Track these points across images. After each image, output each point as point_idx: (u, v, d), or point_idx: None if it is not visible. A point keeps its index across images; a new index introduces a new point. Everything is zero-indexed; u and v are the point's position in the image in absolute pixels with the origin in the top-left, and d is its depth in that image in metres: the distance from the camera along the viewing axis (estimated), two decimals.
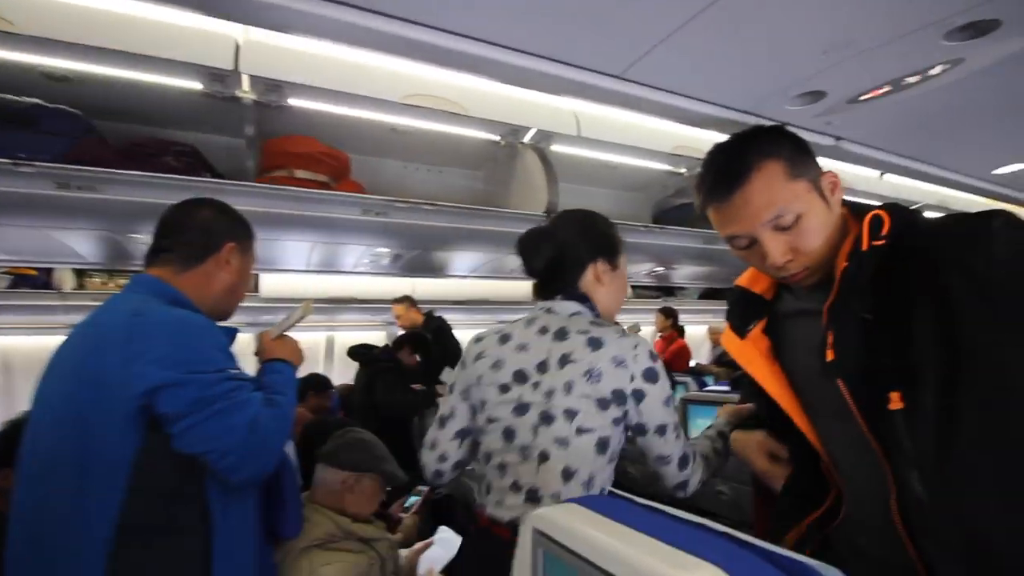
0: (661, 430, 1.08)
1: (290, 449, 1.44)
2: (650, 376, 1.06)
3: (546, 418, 1.04)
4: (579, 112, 2.04)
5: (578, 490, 1.04)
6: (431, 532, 1.96)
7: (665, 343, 4.92)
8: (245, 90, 1.70)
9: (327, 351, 5.04)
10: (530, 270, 1.19)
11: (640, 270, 3.45)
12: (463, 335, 5.42)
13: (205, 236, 1.09)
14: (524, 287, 4.51)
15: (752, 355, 0.94)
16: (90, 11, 1.37)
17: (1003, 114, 1.56)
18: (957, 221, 0.74)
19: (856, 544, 0.88)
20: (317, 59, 1.63)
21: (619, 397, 1.04)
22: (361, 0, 1.03)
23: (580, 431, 1.03)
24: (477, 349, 1.19)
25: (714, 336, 5.21)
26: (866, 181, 2.64)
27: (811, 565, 0.47)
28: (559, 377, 1.04)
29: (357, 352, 3.34)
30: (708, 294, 5.46)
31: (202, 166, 1.86)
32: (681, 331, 5.02)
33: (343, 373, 4.63)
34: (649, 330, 5.53)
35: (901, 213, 0.80)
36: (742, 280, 1.01)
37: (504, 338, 1.16)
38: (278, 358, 1.13)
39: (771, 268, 0.84)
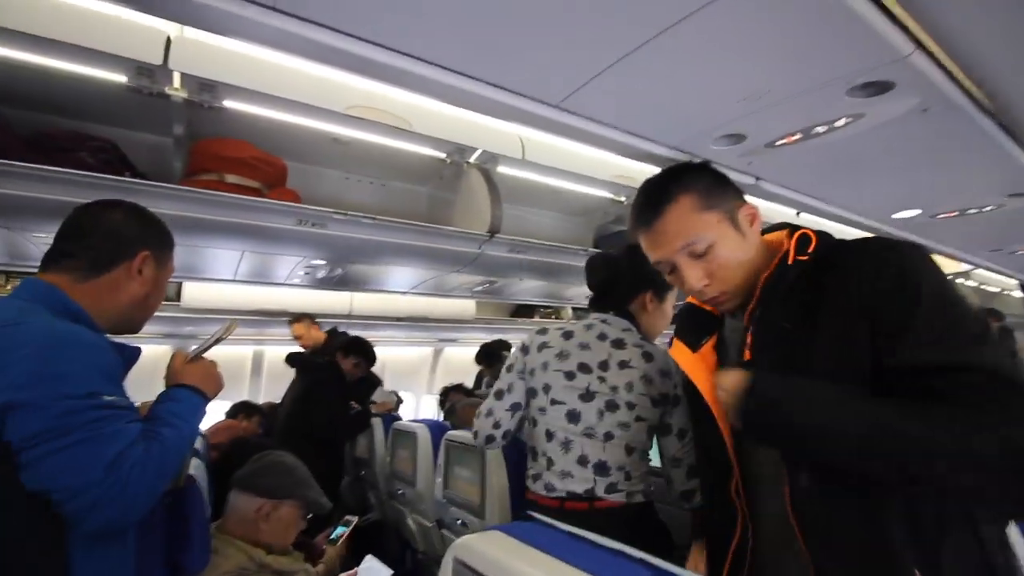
0: (681, 434, 1.31)
1: (200, 472, 1.34)
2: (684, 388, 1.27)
3: (611, 406, 1.28)
4: (525, 137, 2.08)
5: (637, 461, 1.29)
6: (357, 562, 1.87)
7: None
8: (175, 87, 1.61)
9: (254, 367, 4.75)
10: (590, 284, 1.44)
11: (582, 292, 3.53)
12: (403, 352, 5.35)
13: (115, 242, 0.98)
14: (468, 305, 4.48)
15: (700, 369, 0.99)
16: None
17: (898, 165, 1.75)
18: (870, 245, 0.81)
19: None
20: (256, 62, 1.57)
21: (664, 399, 1.31)
22: (303, 11, 1.00)
23: (639, 419, 1.29)
24: (541, 339, 1.40)
25: None
26: (785, 219, 2.85)
27: None
28: (621, 377, 1.30)
29: (295, 358, 3.16)
30: None
31: (122, 164, 1.73)
32: None
33: (271, 391, 4.38)
34: None
35: (827, 236, 0.88)
36: (692, 298, 1.06)
37: (567, 335, 1.38)
38: (184, 383, 1.01)
39: (690, 292, 0.90)
